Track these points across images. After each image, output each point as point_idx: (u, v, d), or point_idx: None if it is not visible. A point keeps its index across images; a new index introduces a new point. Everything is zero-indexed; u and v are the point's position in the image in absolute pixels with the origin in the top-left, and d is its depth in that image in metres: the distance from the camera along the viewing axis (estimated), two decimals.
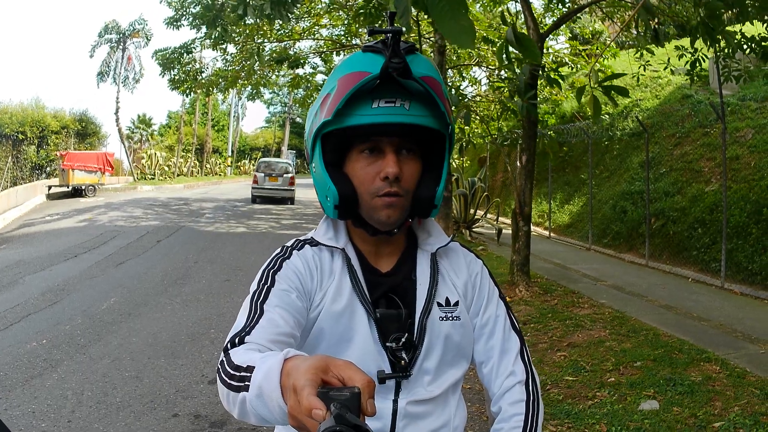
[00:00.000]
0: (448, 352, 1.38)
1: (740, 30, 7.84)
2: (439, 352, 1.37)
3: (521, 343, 1.47)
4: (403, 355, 1.32)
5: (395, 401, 1.33)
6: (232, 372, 1.04)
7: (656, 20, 8.17)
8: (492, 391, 1.44)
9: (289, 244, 1.43)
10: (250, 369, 0.99)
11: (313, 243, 1.42)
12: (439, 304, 1.39)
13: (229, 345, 1.14)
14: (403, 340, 1.33)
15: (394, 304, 1.37)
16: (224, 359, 1.09)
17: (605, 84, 2.97)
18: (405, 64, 1.23)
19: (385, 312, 1.35)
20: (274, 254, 1.40)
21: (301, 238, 1.45)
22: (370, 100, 1.26)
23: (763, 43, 7.56)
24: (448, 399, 1.40)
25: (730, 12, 6.71)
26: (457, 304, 1.42)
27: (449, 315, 1.39)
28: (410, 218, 1.41)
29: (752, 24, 7.51)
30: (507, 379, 1.41)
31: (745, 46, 7.81)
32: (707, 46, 7.27)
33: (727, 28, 7.39)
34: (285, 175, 25.44)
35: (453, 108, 9.29)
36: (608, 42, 14.77)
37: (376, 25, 8.83)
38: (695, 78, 9.09)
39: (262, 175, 25.34)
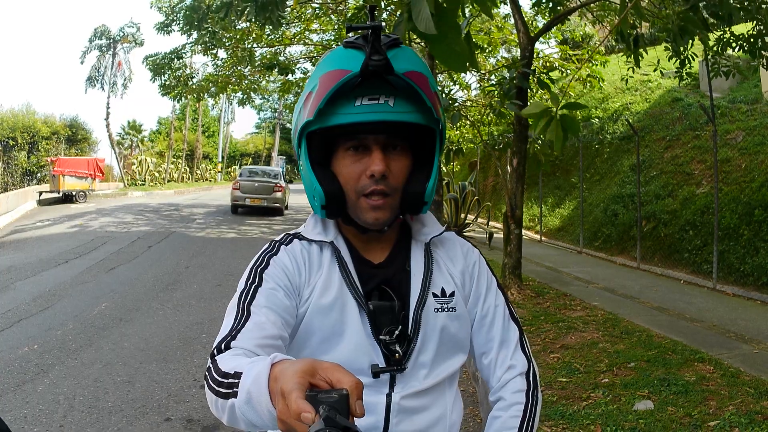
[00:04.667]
0: (443, 344, 1.35)
1: (729, 29, 7.87)
2: (435, 345, 1.33)
3: (520, 333, 1.46)
4: (397, 348, 1.29)
5: (389, 395, 1.29)
6: (220, 379, 1.03)
7: (638, 26, 8.20)
8: (491, 383, 1.42)
9: (277, 239, 1.40)
10: (237, 375, 0.98)
11: (301, 237, 1.39)
12: (435, 295, 1.36)
13: (215, 351, 1.13)
14: (397, 332, 1.30)
15: (386, 296, 1.34)
16: (211, 366, 1.07)
17: (563, 114, 2.84)
18: (386, 61, 1.20)
19: (378, 304, 1.31)
20: (261, 250, 1.37)
21: (291, 232, 1.42)
22: (353, 98, 1.23)
23: (751, 40, 7.59)
24: (444, 392, 1.37)
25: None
26: (452, 294, 1.38)
27: (445, 306, 1.36)
28: (401, 215, 1.37)
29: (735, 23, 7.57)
30: (507, 372, 1.40)
31: (734, 44, 7.84)
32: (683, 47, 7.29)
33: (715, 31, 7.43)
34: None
35: (444, 113, 9.30)
36: (597, 46, 14.82)
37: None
38: (684, 77, 9.13)
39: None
